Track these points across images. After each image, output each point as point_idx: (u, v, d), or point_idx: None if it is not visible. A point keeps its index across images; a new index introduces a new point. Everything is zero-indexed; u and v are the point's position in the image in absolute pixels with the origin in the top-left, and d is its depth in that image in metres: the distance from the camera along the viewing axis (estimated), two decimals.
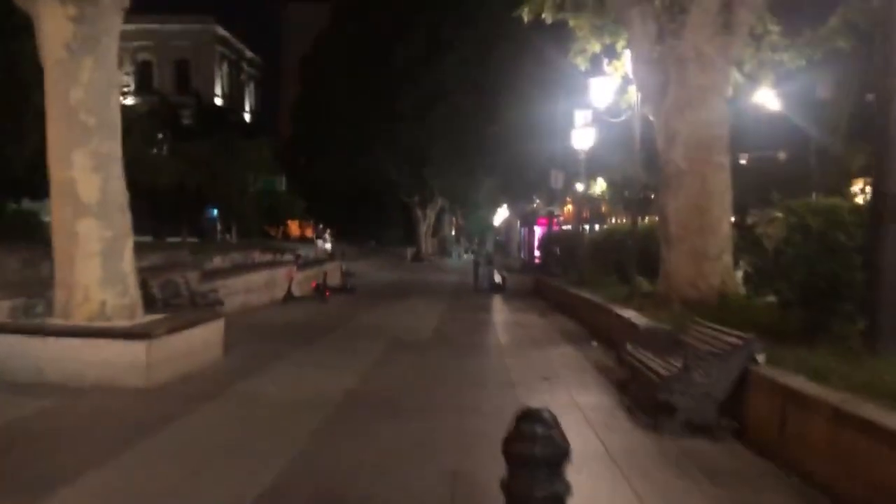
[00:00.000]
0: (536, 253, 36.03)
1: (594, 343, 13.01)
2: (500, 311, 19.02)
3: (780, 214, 8.50)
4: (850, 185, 53.40)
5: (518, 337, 13.87)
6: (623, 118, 14.12)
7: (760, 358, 7.00)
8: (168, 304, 12.59)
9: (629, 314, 11.81)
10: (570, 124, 27.72)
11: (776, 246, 8.26)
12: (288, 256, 23.98)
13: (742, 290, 11.89)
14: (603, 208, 55.14)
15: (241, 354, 10.58)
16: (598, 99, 14.12)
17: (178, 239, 28.69)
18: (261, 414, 7.33)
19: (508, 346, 12.56)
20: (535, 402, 8.33)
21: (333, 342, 12.36)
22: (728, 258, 11.98)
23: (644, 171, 31.91)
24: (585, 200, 44.10)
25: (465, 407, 7.73)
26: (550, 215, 34.14)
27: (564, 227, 36.11)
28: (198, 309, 13.31)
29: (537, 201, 49.84)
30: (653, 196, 42.33)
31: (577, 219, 38.73)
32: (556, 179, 33.51)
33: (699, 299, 11.65)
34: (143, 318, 9.31)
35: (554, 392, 8.78)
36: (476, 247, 77.25)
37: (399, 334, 13.60)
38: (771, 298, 9.42)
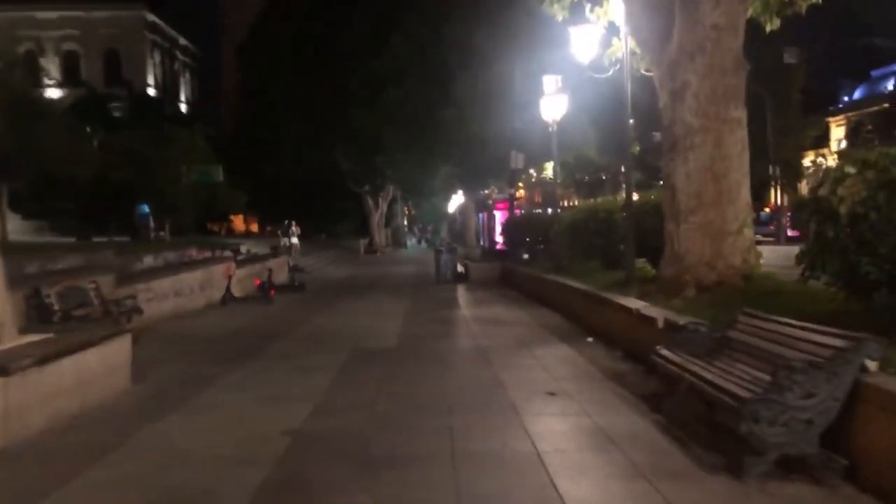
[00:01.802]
0: (498, 239, 34.05)
1: (590, 339, 10.99)
2: (470, 305, 16.91)
3: (852, 169, 6.53)
4: (802, 157, 52.47)
5: (500, 336, 11.75)
6: (610, 73, 12.09)
7: (872, 365, 5.01)
8: (69, 318, 10.16)
9: (635, 304, 9.81)
10: (530, 100, 25.83)
11: (851, 210, 6.27)
12: (227, 253, 21.47)
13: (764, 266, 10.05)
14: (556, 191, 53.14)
15: (157, 380, 8.26)
16: (581, 51, 12.06)
17: (105, 238, 25.94)
18: (167, 485, 5.03)
19: (492, 349, 10.42)
20: (551, 431, 6.32)
21: (278, 356, 10.03)
22: (750, 232, 10.06)
23: (597, 153, 29.80)
24: (538, 183, 42.14)
25: (459, 451, 5.55)
26: (511, 198, 32.13)
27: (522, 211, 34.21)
28: (107, 321, 10.91)
29: (490, 187, 47.88)
30: (605, 177, 40.32)
31: (530, 202, 36.54)
32: (516, 160, 31.54)
33: (718, 282, 9.74)
34: (15, 342, 6.95)
35: (568, 414, 6.68)
36: (430, 235, 75.26)
37: (358, 341, 11.36)
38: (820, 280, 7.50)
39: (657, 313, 8.81)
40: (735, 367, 6.05)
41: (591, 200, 19.04)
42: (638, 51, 11.78)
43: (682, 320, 7.83)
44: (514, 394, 7.41)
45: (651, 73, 11.25)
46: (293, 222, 33.12)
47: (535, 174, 40.11)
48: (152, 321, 13.48)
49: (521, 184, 46.51)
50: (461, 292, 20.40)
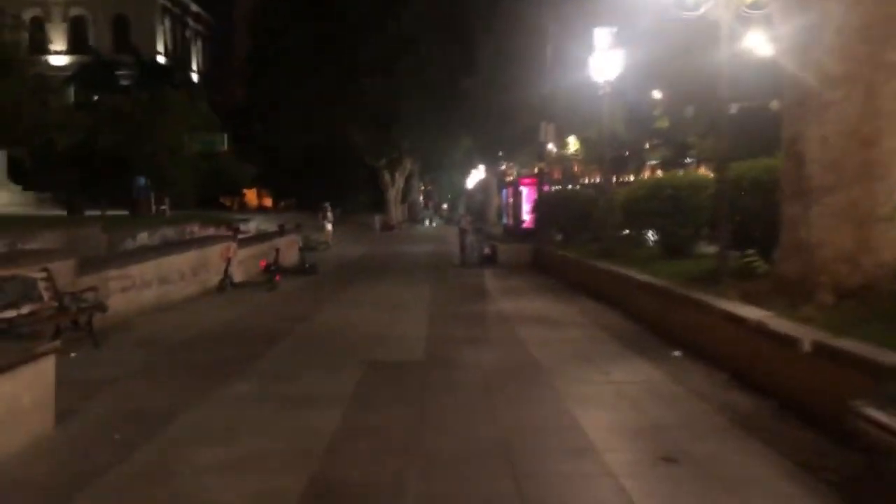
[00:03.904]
0: (525, 217, 31.45)
1: (676, 353, 8.49)
2: (505, 296, 14.38)
3: None
4: None
5: (554, 344, 9.27)
6: (702, 11, 9.46)
7: None
8: None
9: (752, 314, 7.25)
10: (562, 65, 23.27)
11: None
12: (227, 232, 19.03)
13: None
14: (575, 168, 50.88)
15: (92, 420, 5.85)
16: None
17: (98, 212, 23.64)
18: None
19: (550, 366, 7.94)
20: None
21: (269, 375, 7.57)
22: None
23: (625, 127, 27.17)
24: (558, 159, 39.40)
25: None
26: (541, 174, 29.46)
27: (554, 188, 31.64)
28: (61, 320, 8.58)
29: (509, 163, 45.31)
30: (627, 153, 37.18)
31: (549, 179, 33.67)
32: (546, 132, 28.87)
33: (864, 286, 7.18)
34: None
35: None
36: (447, 212, 72.67)
37: (375, 349, 8.92)
38: None
39: (796, 330, 6.28)
40: None
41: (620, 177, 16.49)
42: None
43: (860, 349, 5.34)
44: (611, 458, 4.93)
45: (756, 11, 8.73)
46: (327, 205, 31.51)
47: (554, 149, 37.56)
48: (128, 316, 11.18)
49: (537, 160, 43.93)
50: (491, 279, 17.90)
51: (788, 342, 6.24)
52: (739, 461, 4.90)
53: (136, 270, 12.08)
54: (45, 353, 5.45)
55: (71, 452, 5.12)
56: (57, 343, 5.54)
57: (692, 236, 13.13)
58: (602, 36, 14.87)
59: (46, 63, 53.97)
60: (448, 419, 5.99)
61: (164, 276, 13.10)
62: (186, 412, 6.06)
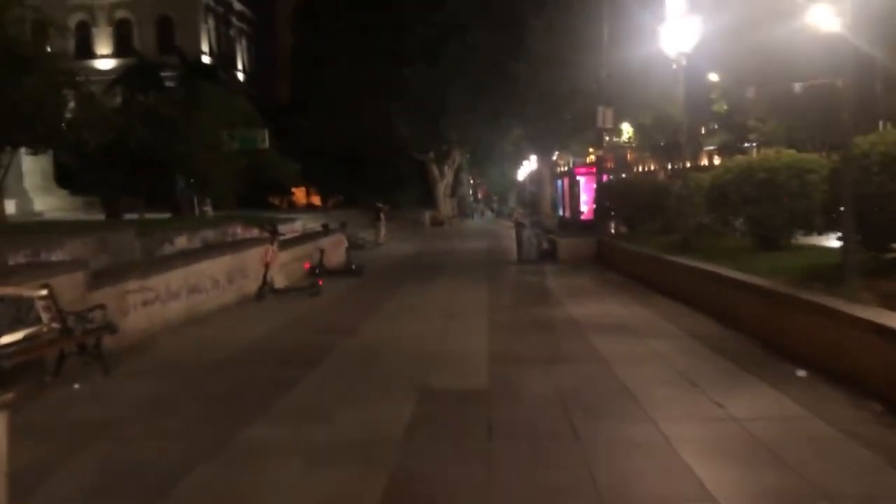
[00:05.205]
0: (584, 209, 29.75)
1: (801, 373, 6.84)
2: (572, 298, 12.79)
3: None
4: None
5: (643, 362, 7.70)
6: None
7: None
8: None
9: None
10: (621, 42, 21.89)
11: None
12: (264, 234, 17.74)
13: None
14: (629, 156, 48.84)
15: (58, 498, 4.52)
16: None
17: (137, 216, 22.76)
18: None
19: (645, 395, 6.36)
20: None
21: (302, 412, 6.13)
22: None
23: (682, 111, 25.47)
24: (610, 147, 37.59)
25: None
26: (600, 162, 27.70)
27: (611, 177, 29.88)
28: (64, 343, 7.34)
29: (557, 153, 43.68)
30: (681, 141, 35.51)
31: (600, 168, 32.18)
32: (604, 117, 27.05)
33: None
34: None
35: None
36: (497, 205, 71.03)
37: (429, 373, 7.45)
38: None
39: None
40: None
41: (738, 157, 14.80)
42: None
43: None
44: None
45: None
46: (382, 205, 31.53)
47: (607, 137, 36.00)
48: (152, 332, 9.97)
49: (591, 148, 42.07)
50: (552, 277, 16.33)
51: None
52: None
53: (161, 281, 10.83)
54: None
55: None
56: (7, 396, 4.24)
57: (788, 226, 11.43)
58: (675, 2, 13.17)
59: (92, 67, 54.05)
60: (526, 483, 4.49)
61: (193, 285, 11.87)
62: (190, 475, 4.69)
